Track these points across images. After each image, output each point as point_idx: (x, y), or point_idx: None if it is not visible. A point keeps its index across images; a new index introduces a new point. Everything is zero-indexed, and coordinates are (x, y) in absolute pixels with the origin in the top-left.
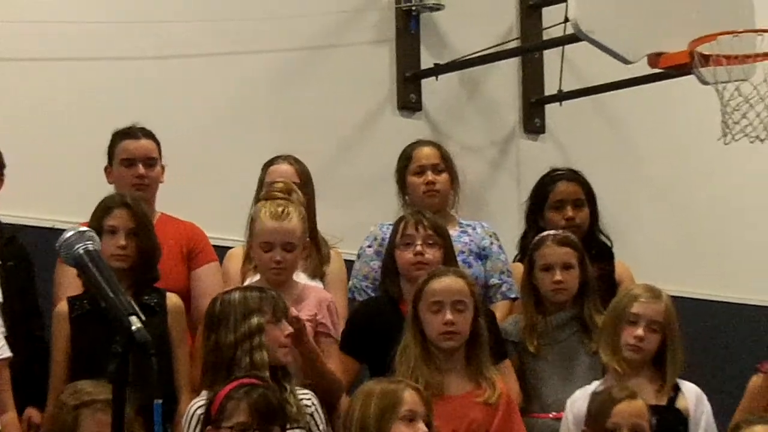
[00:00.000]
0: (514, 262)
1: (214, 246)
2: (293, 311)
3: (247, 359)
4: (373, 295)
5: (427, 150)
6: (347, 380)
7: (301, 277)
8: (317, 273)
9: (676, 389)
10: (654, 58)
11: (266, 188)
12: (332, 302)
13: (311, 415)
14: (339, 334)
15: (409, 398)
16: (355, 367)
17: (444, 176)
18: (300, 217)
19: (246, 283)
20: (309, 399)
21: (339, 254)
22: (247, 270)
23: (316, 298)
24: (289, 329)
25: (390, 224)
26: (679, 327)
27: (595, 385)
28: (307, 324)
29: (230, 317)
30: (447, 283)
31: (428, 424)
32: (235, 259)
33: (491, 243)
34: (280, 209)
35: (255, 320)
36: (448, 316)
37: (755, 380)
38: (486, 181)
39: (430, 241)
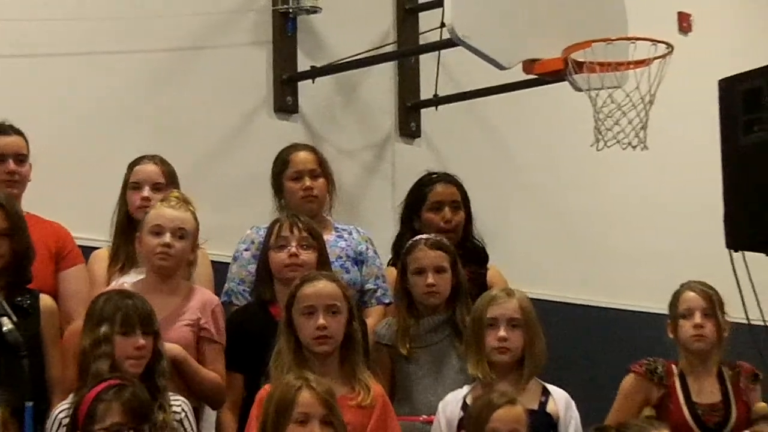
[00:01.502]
0: (388, 266)
1: (78, 246)
2: (178, 354)
3: (95, 367)
4: (251, 298)
5: (303, 155)
6: (235, 395)
7: None
8: (184, 274)
9: (546, 394)
10: (529, 65)
11: (164, 196)
12: (218, 306)
13: (180, 421)
14: (223, 338)
15: (304, 400)
16: (239, 381)
17: (321, 181)
18: (194, 215)
19: (119, 282)
20: (180, 405)
21: (205, 255)
22: (113, 272)
23: (201, 301)
24: (141, 342)
25: (266, 227)
26: (537, 323)
27: (467, 389)
28: (188, 329)
29: (89, 322)
30: (319, 287)
31: (331, 423)
32: (100, 261)
33: (367, 248)
34: (173, 202)
35: (102, 329)
36: (321, 320)
37: (627, 380)
38: (361, 185)
39: (305, 244)
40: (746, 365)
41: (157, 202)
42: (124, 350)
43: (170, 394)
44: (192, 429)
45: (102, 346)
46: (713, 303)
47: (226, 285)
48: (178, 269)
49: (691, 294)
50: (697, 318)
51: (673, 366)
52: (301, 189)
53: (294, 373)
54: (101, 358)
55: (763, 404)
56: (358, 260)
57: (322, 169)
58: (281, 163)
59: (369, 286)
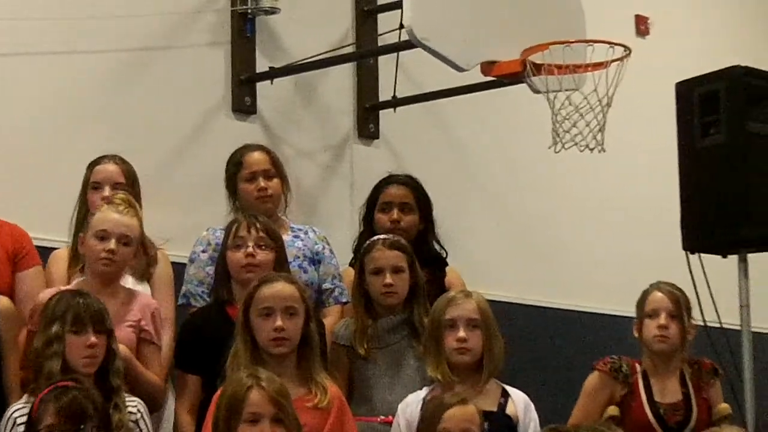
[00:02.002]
0: (349, 265)
1: (36, 246)
2: (125, 354)
3: (47, 367)
4: (209, 300)
5: (257, 155)
6: (193, 397)
7: (129, 281)
8: (145, 275)
9: (506, 395)
10: (487, 67)
11: (109, 196)
12: (157, 309)
13: (135, 422)
14: (162, 340)
15: (254, 399)
16: (196, 384)
17: (276, 181)
18: (139, 221)
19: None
20: (135, 406)
21: (166, 256)
22: (73, 272)
23: (141, 304)
24: (92, 340)
25: (222, 228)
26: (495, 324)
27: (426, 390)
28: (131, 330)
29: (42, 322)
30: (278, 288)
31: (282, 421)
32: (59, 261)
33: (323, 248)
34: (121, 207)
35: (54, 328)
36: (279, 322)
37: (591, 378)
38: (320, 186)
39: (262, 244)
40: (706, 361)
41: (103, 205)
42: (76, 349)
43: (126, 394)
44: (148, 430)
45: (53, 346)
46: (680, 305)
47: (183, 287)
48: (121, 274)
49: (658, 294)
50: (662, 319)
51: (637, 365)
52: (255, 189)
53: (246, 371)
54: (53, 358)
55: (725, 405)
56: (315, 260)
57: (276, 169)
58: (235, 164)
59: (326, 285)
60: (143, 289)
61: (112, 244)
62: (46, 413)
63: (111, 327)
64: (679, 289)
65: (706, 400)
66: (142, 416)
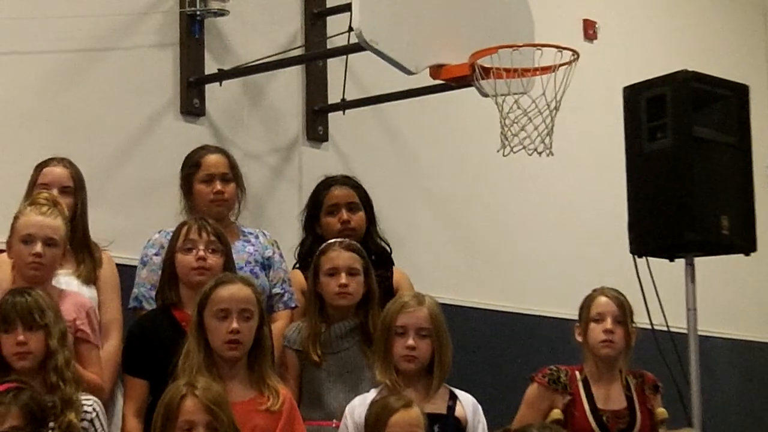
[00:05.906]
0: (293, 269)
1: None
2: None
3: None
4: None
5: (215, 158)
6: (140, 401)
7: (74, 284)
8: (91, 278)
9: (454, 398)
10: (436, 70)
11: (32, 195)
12: (92, 308)
13: (91, 421)
14: (99, 339)
15: (188, 407)
16: (144, 388)
17: (232, 186)
18: (64, 220)
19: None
20: (91, 405)
21: (111, 258)
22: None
23: (75, 303)
24: (20, 338)
25: (172, 231)
26: (446, 331)
27: (374, 392)
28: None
29: None
30: (234, 290)
31: (216, 429)
32: (3, 264)
33: (273, 252)
34: (45, 208)
35: None
36: (234, 324)
37: (531, 389)
38: (268, 188)
39: (213, 247)
40: (649, 375)
41: (26, 207)
42: (7, 347)
43: (81, 393)
44: (103, 429)
45: None
46: (624, 310)
47: (135, 290)
48: (51, 276)
49: (603, 299)
50: (608, 323)
51: (577, 372)
52: (211, 192)
53: (184, 378)
54: None
55: (662, 410)
56: (266, 265)
57: (234, 173)
58: (192, 164)
59: (276, 290)
60: (89, 292)
61: (38, 247)
62: (8, 415)
63: (47, 323)
64: (623, 295)
65: (649, 410)
66: (97, 415)
